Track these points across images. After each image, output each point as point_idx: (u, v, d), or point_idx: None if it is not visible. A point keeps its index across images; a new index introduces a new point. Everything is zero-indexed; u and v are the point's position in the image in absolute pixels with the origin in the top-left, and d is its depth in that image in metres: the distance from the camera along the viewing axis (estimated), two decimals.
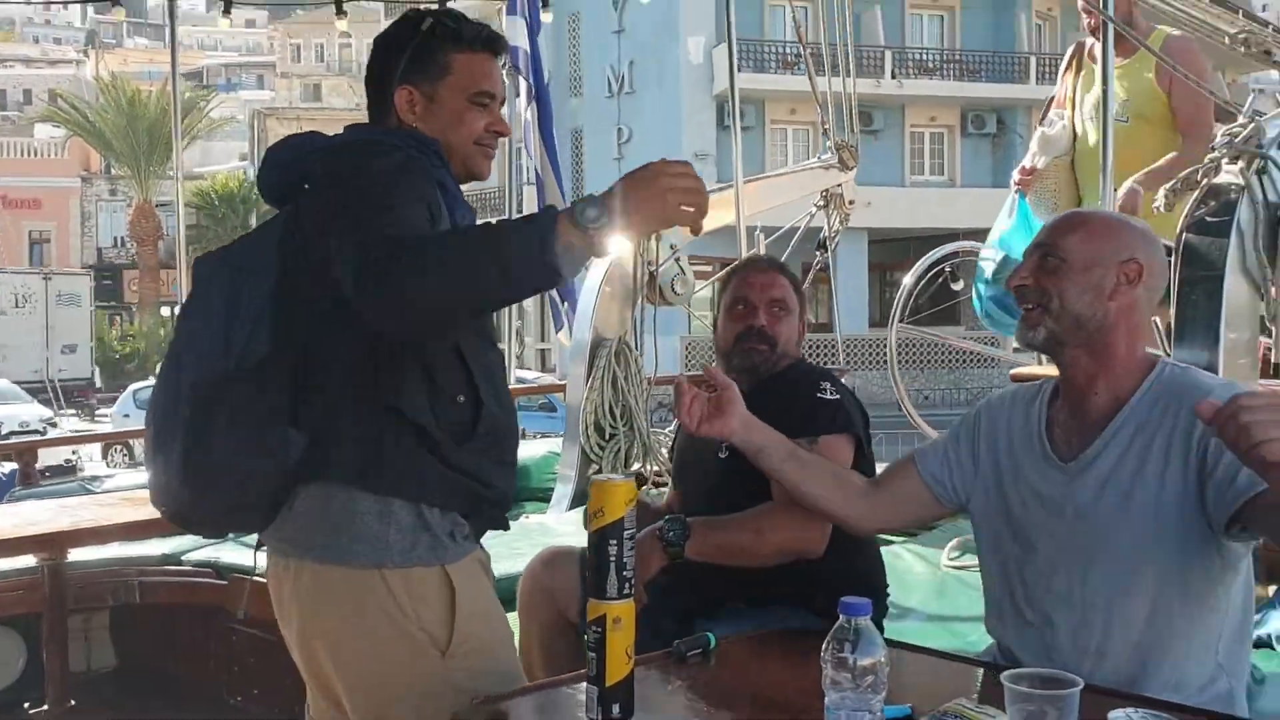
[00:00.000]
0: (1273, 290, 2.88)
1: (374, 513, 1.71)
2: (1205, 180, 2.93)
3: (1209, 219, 2.89)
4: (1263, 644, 2.56)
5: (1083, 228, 1.83)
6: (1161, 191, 3.05)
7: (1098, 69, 3.68)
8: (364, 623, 1.71)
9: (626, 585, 1.55)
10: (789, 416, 2.07)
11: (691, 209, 1.58)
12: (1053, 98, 4.17)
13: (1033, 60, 26.19)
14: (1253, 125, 2.92)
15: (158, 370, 1.92)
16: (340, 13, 5.69)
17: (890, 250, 25.05)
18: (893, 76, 25.55)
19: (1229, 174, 2.91)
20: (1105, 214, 2.07)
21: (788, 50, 24.15)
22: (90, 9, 64.73)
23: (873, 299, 26.29)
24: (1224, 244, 2.83)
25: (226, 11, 6.09)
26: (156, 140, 29.98)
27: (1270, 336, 3.03)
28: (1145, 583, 1.70)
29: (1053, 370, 1.86)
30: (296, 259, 1.72)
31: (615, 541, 1.54)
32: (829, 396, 2.19)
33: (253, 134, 40.42)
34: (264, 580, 1.89)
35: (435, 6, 1.97)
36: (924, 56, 26.79)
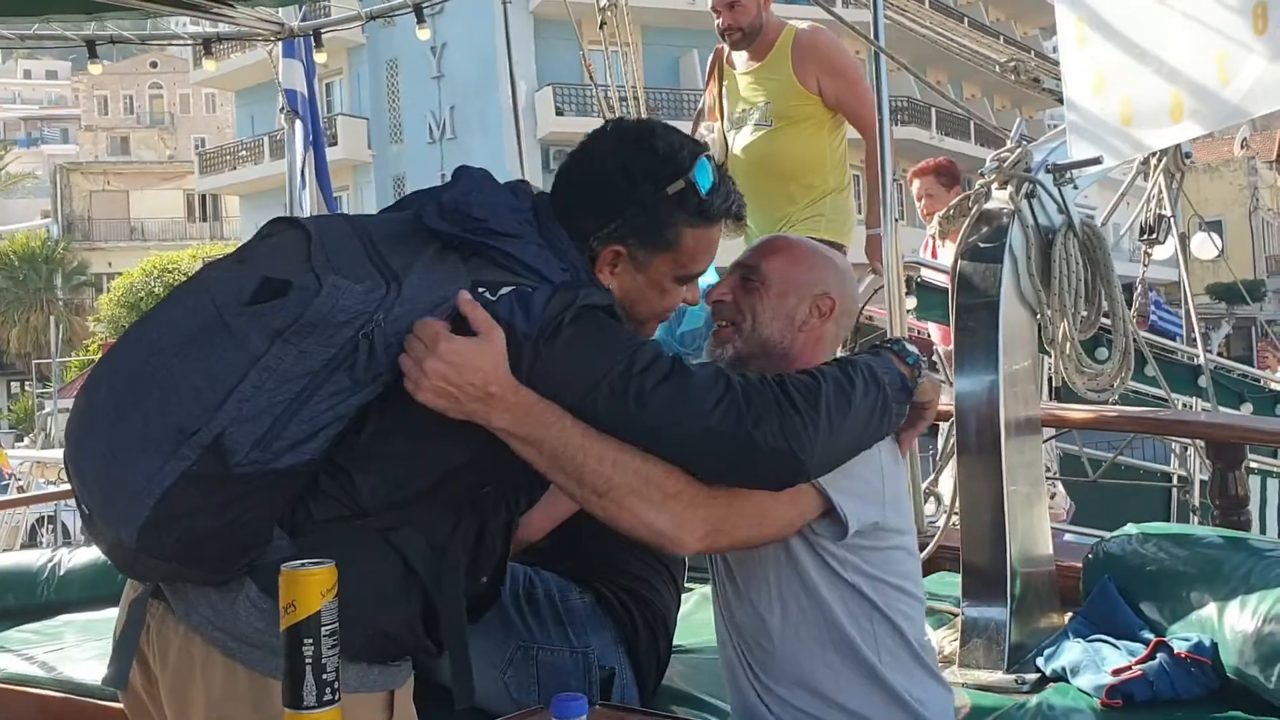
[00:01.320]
0: (1048, 313, 2.84)
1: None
2: (976, 207, 2.89)
3: (981, 245, 2.84)
4: (1059, 677, 2.49)
5: (786, 252, 1.84)
6: (935, 219, 2.99)
7: (739, 75, 3.65)
8: None
9: (328, 691, 1.32)
10: None
11: None
12: (701, 110, 4.01)
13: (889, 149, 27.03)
14: (1020, 150, 2.89)
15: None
16: (420, 21, 5.35)
17: None
18: None
19: (999, 200, 2.87)
20: (809, 244, 1.99)
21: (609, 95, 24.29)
22: None
23: None
24: (998, 270, 2.78)
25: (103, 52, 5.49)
26: None
27: (1049, 357, 3.00)
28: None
29: None
30: None
31: (311, 640, 1.32)
32: None
33: (55, 189, 38.41)
34: None
35: (673, 151, 1.66)
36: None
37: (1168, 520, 4.89)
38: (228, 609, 1.51)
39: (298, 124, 5.24)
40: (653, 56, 24.44)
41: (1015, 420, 2.78)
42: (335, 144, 24.57)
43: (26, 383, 32.58)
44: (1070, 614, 2.72)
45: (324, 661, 1.33)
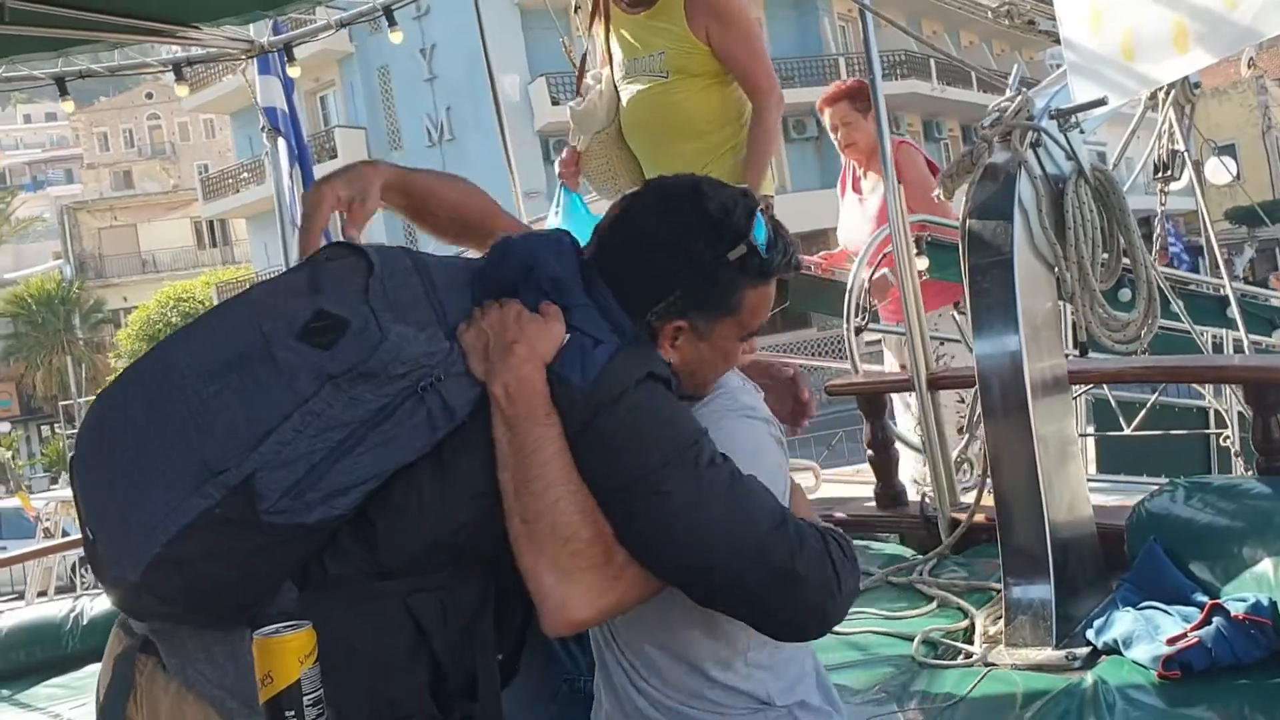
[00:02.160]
0: (1066, 266, 2.70)
1: None
2: (980, 161, 2.75)
3: (989, 201, 2.70)
4: (1111, 649, 2.36)
5: None
6: (940, 178, 2.85)
7: (627, 19, 3.33)
8: None
9: None
10: None
11: None
12: (584, 58, 3.61)
13: (841, 61, 26.77)
14: (1020, 98, 2.75)
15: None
16: (391, 24, 5.30)
17: None
18: None
19: (1004, 151, 2.73)
20: None
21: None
22: None
23: None
24: (1008, 226, 2.64)
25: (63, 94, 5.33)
26: None
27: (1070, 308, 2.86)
28: None
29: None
30: None
31: (294, 712, 1.23)
32: None
33: (64, 230, 38.57)
34: None
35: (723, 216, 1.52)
36: None
37: (1208, 467, 4.72)
38: (228, 664, 1.41)
39: (280, 142, 5.13)
40: None
41: (1041, 380, 2.64)
42: (335, 156, 24.50)
43: (55, 425, 32.77)
44: (1117, 580, 2.59)
45: None
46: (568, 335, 1.45)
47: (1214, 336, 4.96)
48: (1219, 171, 5.72)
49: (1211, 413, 4.63)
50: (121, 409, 1.39)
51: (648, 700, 1.54)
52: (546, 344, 1.42)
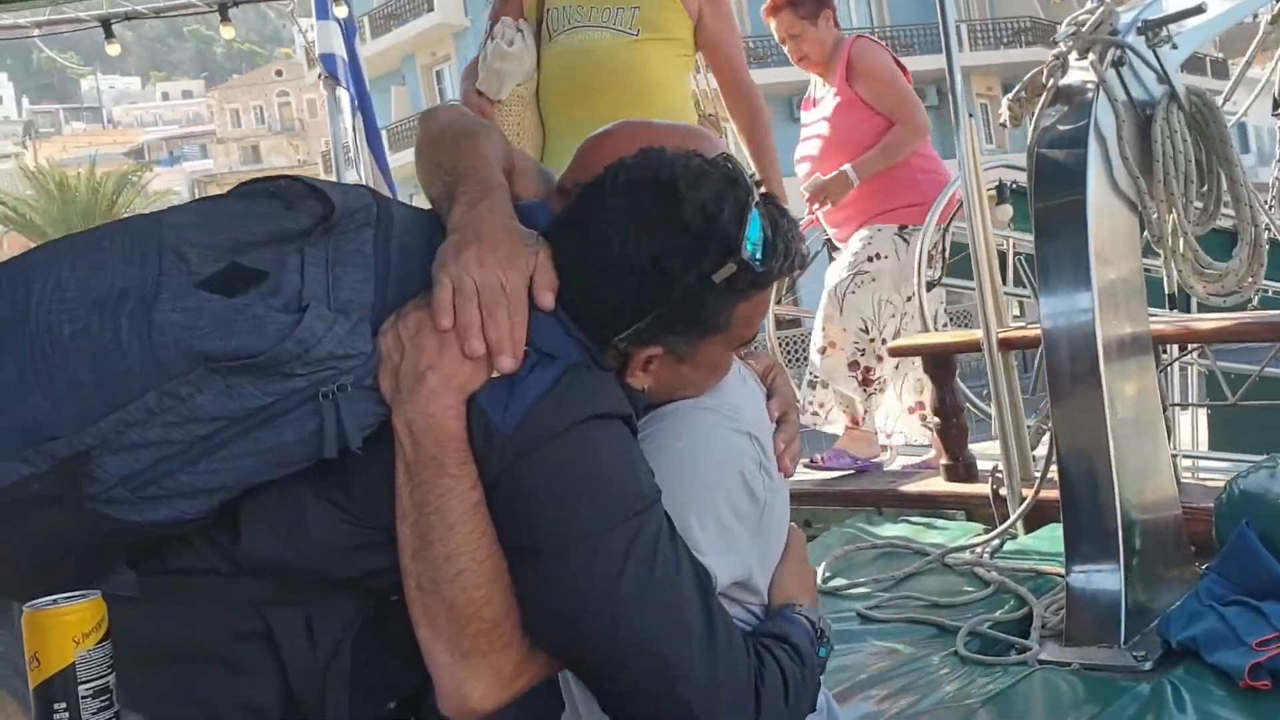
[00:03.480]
0: (1151, 205, 2.32)
1: None
2: (1052, 82, 2.38)
3: (1061, 128, 2.33)
4: (1189, 651, 2.01)
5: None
6: (1004, 102, 2.49)
7: None
8: None
9: None
10: None
11: None
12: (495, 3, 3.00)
13: (964, 29, 25.81)
14: (1102, 9, 2.37)
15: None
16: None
17: None
18: None
19: (1079, 71, 2.36)
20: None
21: None
22: (25, 100, 64.38)
23: None
24: (1082, 157, 2.28)
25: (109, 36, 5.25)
26: (91, 223, 29.28)
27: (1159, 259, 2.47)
28: None
29: None
30: None
31: (64, 705, 1.00)
32: None
33: None
34: None
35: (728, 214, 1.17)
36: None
37: None
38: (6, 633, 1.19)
39: (340, 92, 4.94)
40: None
41: (1117, 339, 2.28)
42: (431, 9, 24.42)
43: None
44: (1202, 570, 2.22)
45: None
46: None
47: None
48: None
49: None
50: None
51: None
52: (471, 372, 1.13)
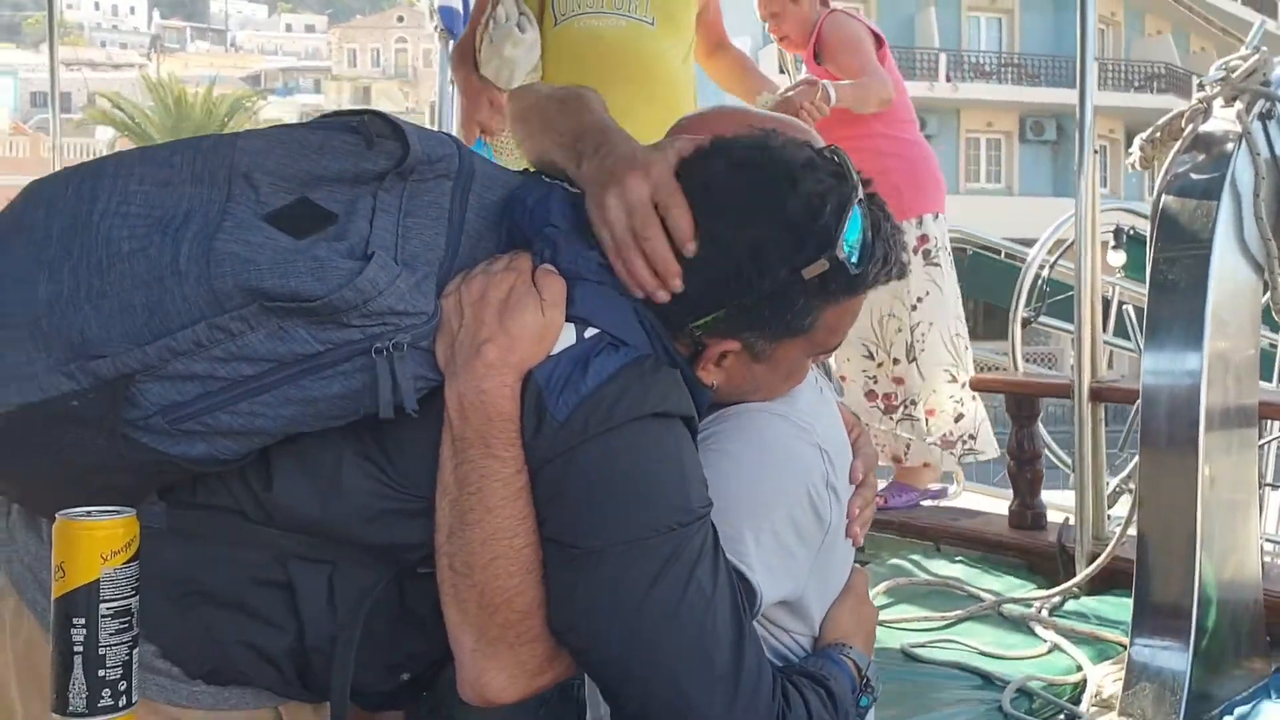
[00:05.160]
0: (1279, 272, 2.18)
1: None
2: (1192, 127, 2.25)
3: (1195, 176, 2.20)
4: None
5: None
6: (1137, 142, 2.36)
7: None
8: None
9: (107, 694, 0.96)
10: None
11: None
12: None
13: (1095, 66, 25.21)
14: (1257, 57, 2.23)
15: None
16: None
17: None
18: (948, 80, 24.78)
19: (1223, 120, 2.22)
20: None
21: None
22: (155, 14, 66.06)
23: None
24: (1213, 209, 2.15)
25: None
26: None
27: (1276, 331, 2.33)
28: None
29: None
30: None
31: (84, 621, 0.95)
32: None
33: None
34: None
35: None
36: (981, 59, 25.95)
37: None
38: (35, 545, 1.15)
39: (452, 44, 4.88)
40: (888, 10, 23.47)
41: (1222, 408, 2.15)
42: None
43: None
44: (1277, 663, 2.09)
45: (102, 652, 0.97)
46: (569, 328, 1.07)
47: None
48: None
49: None
50: (44, 206, 1.08)
51: None
52: (529, 347, 1.05)
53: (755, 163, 1.11)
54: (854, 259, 1.09)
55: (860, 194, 1.11)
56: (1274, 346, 2.76)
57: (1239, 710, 1.95)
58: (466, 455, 1.05)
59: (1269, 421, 3.11)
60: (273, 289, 1.01)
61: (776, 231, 1.08)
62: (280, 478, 1.10)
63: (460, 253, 1.10)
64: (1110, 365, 4.23)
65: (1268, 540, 3.19)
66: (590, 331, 1.08)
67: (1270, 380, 3.22)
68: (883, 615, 2.54)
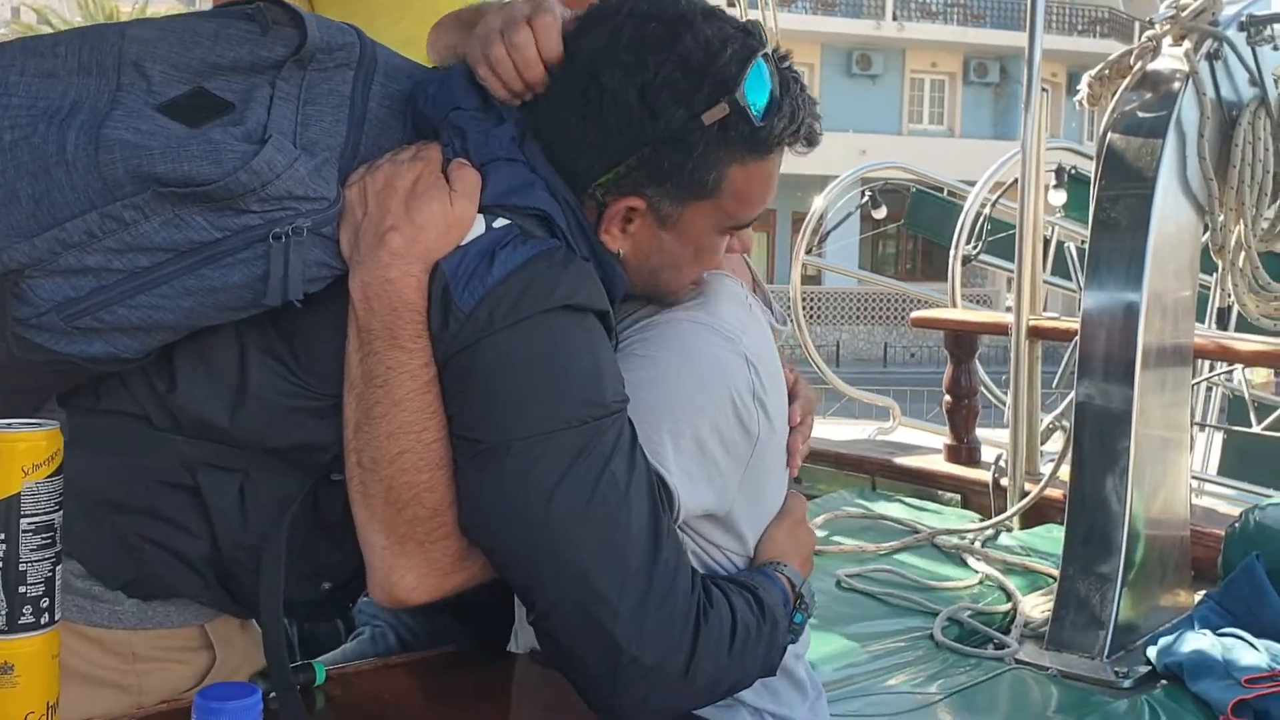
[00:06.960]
0: (1219, 212, 2.20)
1: None
2: (1140, 65, 2.24)
3: (1141, 115, 2.21)
4: (1172, 675, 1.93)
5: None
6: (1085, 79, 2.36)
7: None
8: None
9: (28, 611, 0.95)
10: None
11: None
12: None
13: (1040, 4, 25.29)
14: None
15: None
16: None
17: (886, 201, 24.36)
18: (894, 19, 24.73)
19: (1171, 58, 2.22)
20: None
21: None
22: None
23: (863, 252, 25.61)
24: (1158, 148, 2.15)
25: None
26: None
27: (1216, 273, 2.36)
28: None
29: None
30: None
31: (3, 536, 0.93)
32: None
33: None
34: None
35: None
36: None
37: None
38: None
39: None
40: None
41: (1158, 345, 2.17)
42: None
43: None
44: (1201, 595, 2.14)
45: (23, 568, 0.95)
46: (480, 220, 1.05)
47: None
48: None
49: None
50: None
51: None
52: (436, 237, 1.02)
53: (650, 14, 1.08)
54: (758, 105, 1.07)
55: (768, 50, 1.09)
56: (1207, 289, 2.79)
57: (1163, 640, 1.99)
58: (372, 347, 1.02)
59: (1201, 362, 3.17)
60: (166, 174, 0.97)
61: (669, 71, 1.05)
62: (184, 378, 1.07)
63: (363, 142, 1.08)
64: (1045, 306, 4.29)
65: (1195, 478, 3.27)
66: (500, 222, 1.05)
67: (1204, 322, 3.27)
68: (819, 546, 2.56)
